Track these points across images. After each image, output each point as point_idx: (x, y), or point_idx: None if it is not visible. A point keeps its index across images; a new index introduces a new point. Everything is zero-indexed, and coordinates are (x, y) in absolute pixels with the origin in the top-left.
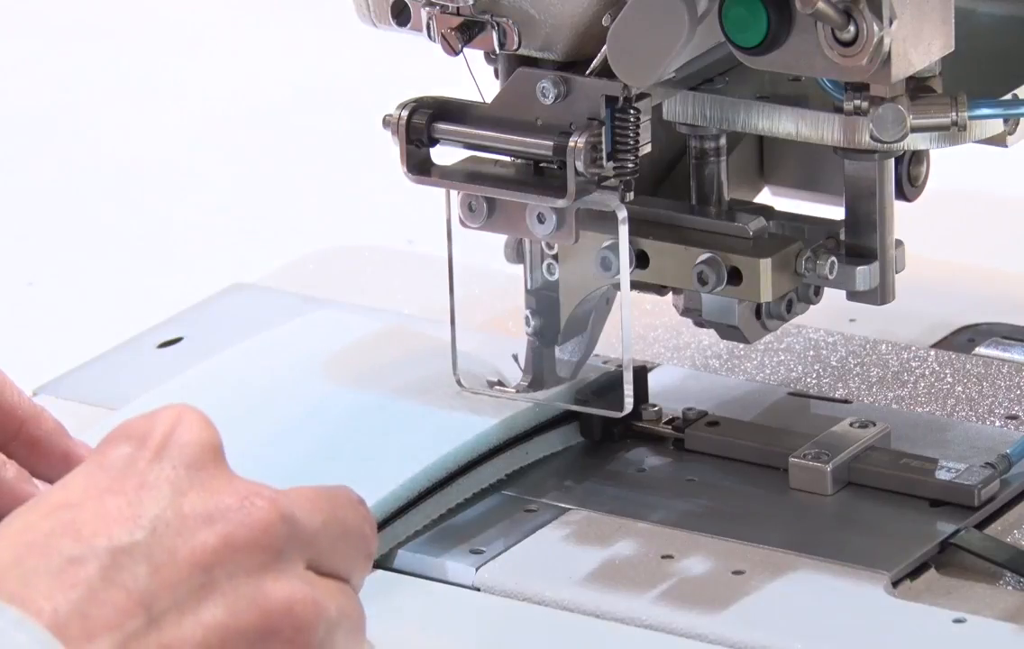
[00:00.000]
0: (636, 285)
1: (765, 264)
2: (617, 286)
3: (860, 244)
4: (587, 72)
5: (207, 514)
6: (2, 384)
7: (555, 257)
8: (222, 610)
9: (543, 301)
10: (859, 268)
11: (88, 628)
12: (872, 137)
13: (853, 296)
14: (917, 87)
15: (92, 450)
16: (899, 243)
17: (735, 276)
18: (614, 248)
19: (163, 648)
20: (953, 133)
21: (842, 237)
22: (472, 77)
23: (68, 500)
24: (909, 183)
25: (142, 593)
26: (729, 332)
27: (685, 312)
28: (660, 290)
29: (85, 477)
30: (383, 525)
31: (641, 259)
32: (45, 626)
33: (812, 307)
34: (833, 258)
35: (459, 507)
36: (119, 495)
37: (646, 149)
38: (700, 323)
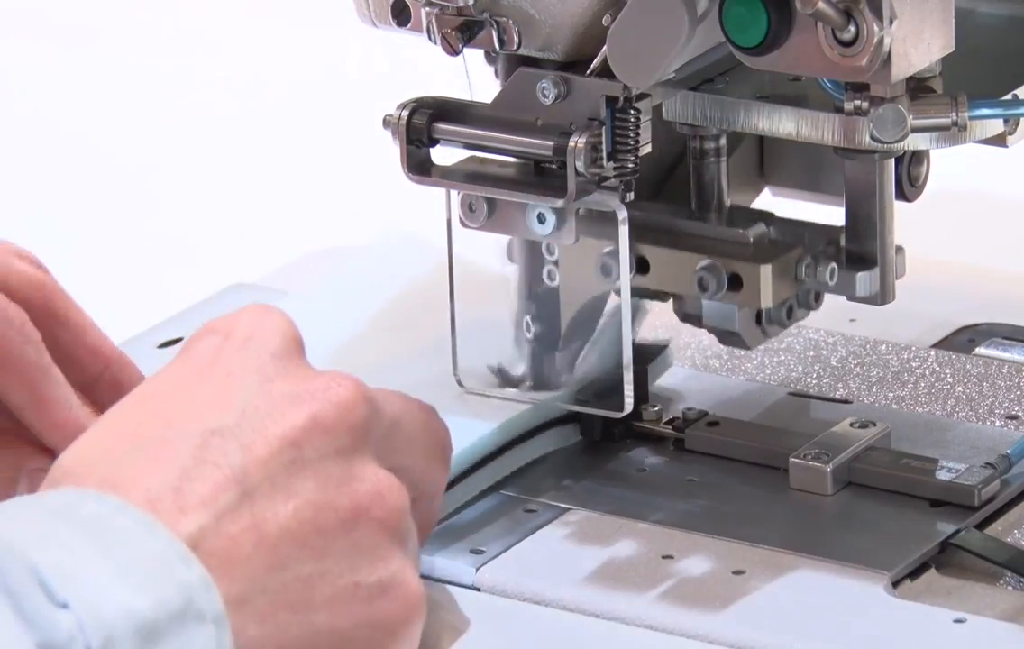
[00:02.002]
0: (636, 291)
1: (765, 270)
2: (618, 291)
3: (860, 250)
4: (587, 72)
5: (295, 395)
6: (88, 326)
7: (555, 263)
8: (313, 485)
9: (543, 307)
10: (859, 274)
11: (182, 504)
12: (872, 137)
13: (853, 296)
14: (917, 87)
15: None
16: (899, 249)
17: (735, 282)
18: (614, 254)
19: (257, 522)
20: (953, 133)
21: (842, 243)
22: (467, 76)
23: (157, 392)
24: (909, 183)
25: (234, 469)
26: (729, 338)
27: (685, 318)
28: (660, 297)
29: (173, 371)
30: None
31: (641, 265)
32: (138, 505)
33: None
34: (833, 264)
35: (459, 508)
36: (207, 384)
37: (646, 149)
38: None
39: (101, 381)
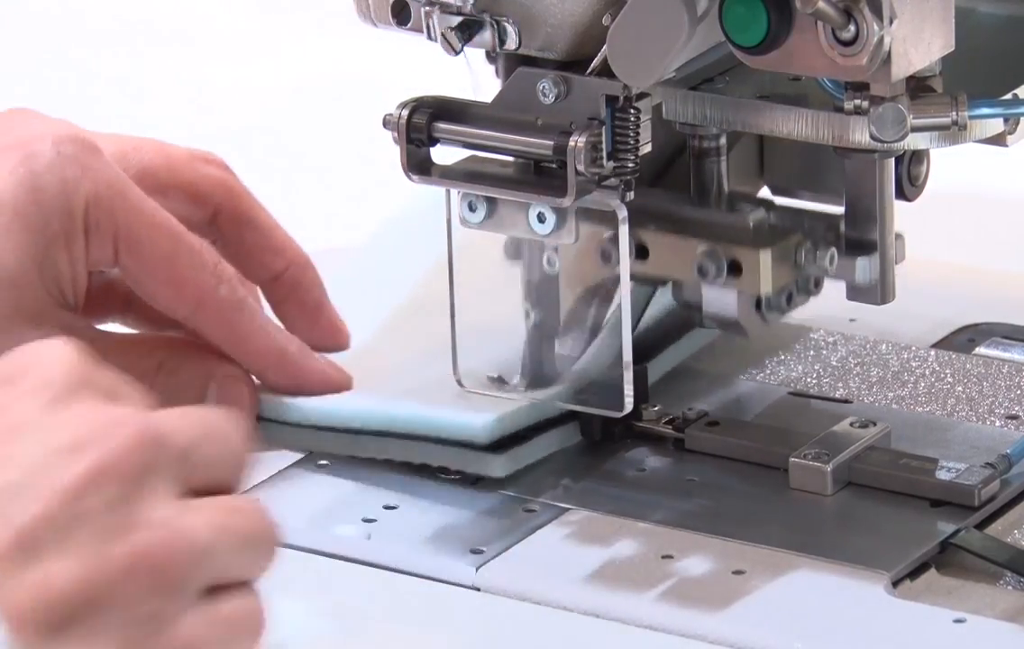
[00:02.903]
0: (636, 277)
1: (765, 256)
2: (617, 278)
3: (860, 237)
4: (587, 72)
5: (73, 445)
6: (274, 226)
7: (555, 250)
8: (95, 539)
9: (543, 295)
10: (859, 260)
11: None
12: (872, 137)
13: (853, 295)
14: (917, 87)
15: None
16: (899, 236)
17: (735, 268)
18: (614, 240)
19: (44, 577)
20: (953, 133)
21: (842, 229)
22: (471, 74)
23: None
24: (909, 183)
25: (19, 529)
26: (728, 325)
27: (684, 306)
28: (660, 282)
29: None
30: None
31: (641, 251)
32: None
33: (812, 307)
34: (833, 250)
35: (459, 507)
36: None
37: (646, 149)
38: (700, 320)
39: (282, 278)
